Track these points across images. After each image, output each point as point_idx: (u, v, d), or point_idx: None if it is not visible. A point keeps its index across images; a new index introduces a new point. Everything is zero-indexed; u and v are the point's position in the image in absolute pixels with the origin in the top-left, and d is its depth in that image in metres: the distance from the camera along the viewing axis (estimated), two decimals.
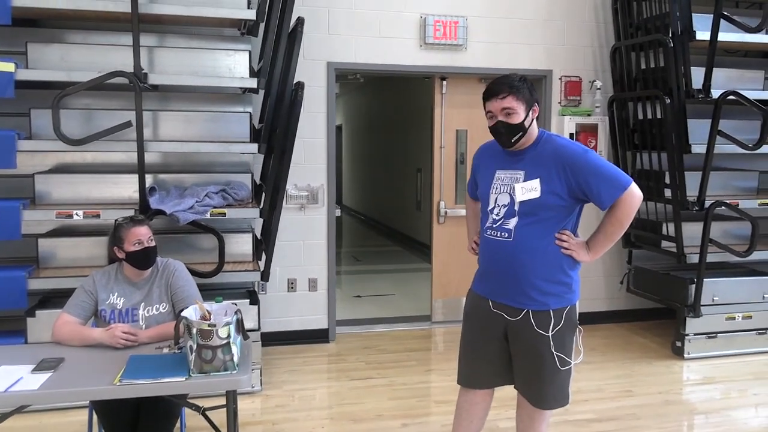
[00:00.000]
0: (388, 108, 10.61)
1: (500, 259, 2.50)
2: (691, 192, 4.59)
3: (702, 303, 4.62)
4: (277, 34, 3.82)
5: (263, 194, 4.02)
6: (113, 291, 2.76)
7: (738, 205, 4.62)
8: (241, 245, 4.11)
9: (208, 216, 3.76)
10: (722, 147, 4.61)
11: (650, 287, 5.19)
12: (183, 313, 2.32)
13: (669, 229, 4.80)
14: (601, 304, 5.58)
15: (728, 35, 4.63)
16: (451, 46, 5.07)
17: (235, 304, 2.44)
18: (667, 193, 4.67)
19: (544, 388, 2.50)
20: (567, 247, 2.44)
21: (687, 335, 4.68)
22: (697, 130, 4.60)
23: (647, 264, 5.31)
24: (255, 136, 4.10)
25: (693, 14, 4.55)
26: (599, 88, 5.35)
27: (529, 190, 2.41)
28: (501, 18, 5.17)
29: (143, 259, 2.75)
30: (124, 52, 3.70)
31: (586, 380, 4.24)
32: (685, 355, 4.69)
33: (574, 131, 5.27)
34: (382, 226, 11.40)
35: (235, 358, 2.31)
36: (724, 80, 4.79)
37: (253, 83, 3.87)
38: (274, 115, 3.91)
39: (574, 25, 5.33)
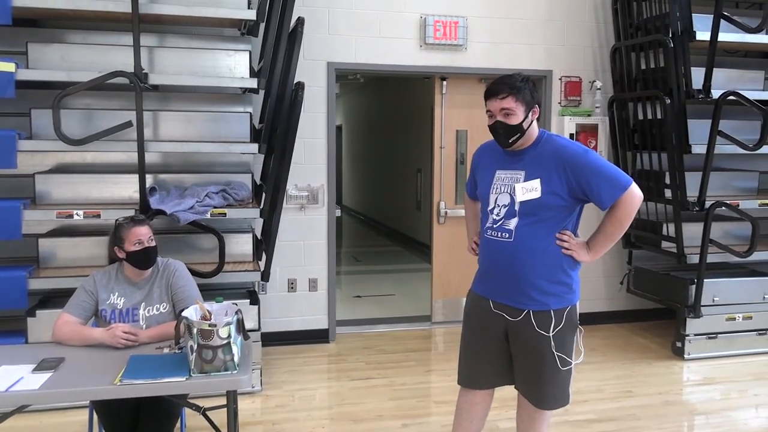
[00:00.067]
0: (388, 108, 10.62)
1: (500, 259, 2.50)
2: (692, 192, 4.59)
3: (702, 303, 4.62)
4: (277, 35, 3.82)
5: (263, 194, 4.02)
6: (114, 291, 2.76)
7: (738, 205, 4.62)
8: (241, 245, 4.11)
9: (208, 216, 3.76)
10: (722, 147, 4.61)
11: (650, 288, 5.19)
12: (183, 313, 2.32)
13: (669, 229, 4.80)
14: (601, 304, 5.58)
15: (728, 35, 4.63)
16: (451, 46, 5.07)
17: (236, 304, 2.44)
18: (668, 193, 4.67)
19: (544, 388, 2.50)
20: (567, 248, 2.44)
21: (687, 336, 4.68)
22: (697, 130, 4.60)
23: (647, 264, 5.31)
24: (255, 136, 4.10)
25: (693, 14, 4.55)
26: (599, 89, 5.35)
27: (529, 190, 2.41)
28: (501, 18, 5.18)
29: (144, 259, 2.75)
30: (124, 52, 3.70)
31: (586, 381, 4.24)
32: (686, 356, 4.69)
33: (574, 131, 5.27)
34: (382, 226, 11.40)
35: (236, 358, 2.31)
36: (724, 80, 4.79)
37: (253, 83, 3.87)
38: (275, 115, 3.91)
39: (574, 26, 5.33)
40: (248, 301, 3.94)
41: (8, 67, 3.45)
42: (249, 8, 3.89)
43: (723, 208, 4.58)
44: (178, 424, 2.80)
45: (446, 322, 5.47)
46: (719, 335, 4.73)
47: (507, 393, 2.79)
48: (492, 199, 2.52)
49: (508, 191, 2.47)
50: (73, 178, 3.90)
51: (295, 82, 3.94)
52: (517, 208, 2.44)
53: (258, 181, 4.33)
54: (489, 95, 2.43)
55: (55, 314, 2.73)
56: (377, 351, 4.84)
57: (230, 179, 4.09)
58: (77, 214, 3.64)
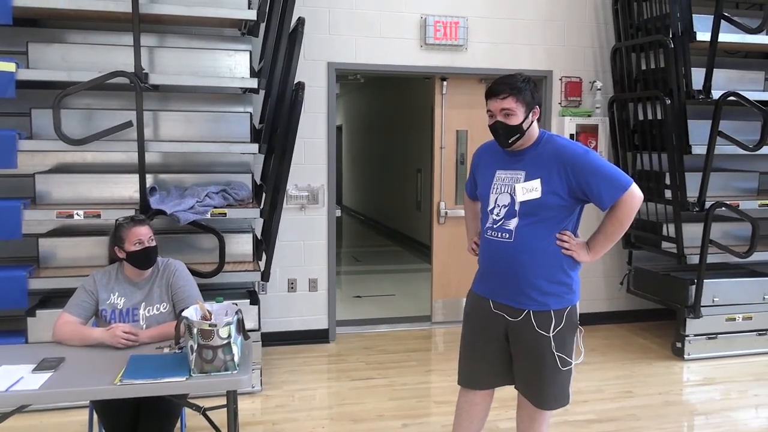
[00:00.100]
0: (389, 108, 10.62)
1: (501, 259, 2.50)
2: (692, 193, 4.59)
3: (702, 304, 4.62)
4: (277, 35, 3.82)
5: (263, 194, 4.02)
6: (114, 291, 2.76)
7: (738, 206, 4.62)
8: (241, 245, 4.11)
9: (208, 216, 3.76)
10: (722, 148, 4.61)
11: (650, 288, 5.19)
12: (184, 313, 2.32)
13: (669, 229, 4.80)
14: (601, 304, 5.58)
15: (729, 36, 4.63)
16: (452, 46, 5.07)
17: (236, 304, 2.44)
18: (668, 193, 4.67)
19: (544, 389, 2.51)
20: (567, 248, 2.44)
21: (687, 336, 4.68)
22: (698, 130, 4.60)
23: (647, 265, 5.31)
24: (255, 136, 4.10)
25: (693, 15, 4.55)
26: (599, 89, 5.35)
27: (529, 190, 2.42)
28: (501, 18, 5.18)
29: (144, 258, 2.75)
30: (124, 52, 3.70)
31: (586, 381, 4.24)
32: (686, 356, 4.69)
33: (574, 132, 5.27)
34: (382, 226, 11.40)
35: (236, 358, 2.31)
36: (724, 81, 4.79)
37: (253, 83, 3.87)
38: (275, 115, 3.92)
39: (574, 26, 5.33)
40: (248, 301, 3.94)
41: (9, 66, 3.45)
42: (249, 8, 3.89)
43: (723, 208, 4.58)
44: (178, 424, 2.80)
45: (446, 322, 5.48)
46: (719, 335, 4.73)
47: (507, 393, 2.79)
48: (492, 199, 2.53)
49: (509, 191, 2.47)
50: (73, 178, 3.91)
51: (295, 82, 3.94)
52: (517, 208, 2.44)
53: (258, 181, 4.33)
54: (490, 95, 2.43)
55: (55, 314, 2.73)
56: (377, 351, 4.84)
57: (230, 179, 4.09)
58: (77, 214, 3.64)
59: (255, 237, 4.25)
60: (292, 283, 4.97)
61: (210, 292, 3.23)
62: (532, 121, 2.45)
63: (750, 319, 4.77)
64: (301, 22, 3.92)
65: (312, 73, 4.80)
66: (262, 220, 4.09)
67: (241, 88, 4.15)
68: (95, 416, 2.74)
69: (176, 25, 4.14)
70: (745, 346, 4.79)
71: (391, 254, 9.37)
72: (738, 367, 4.57)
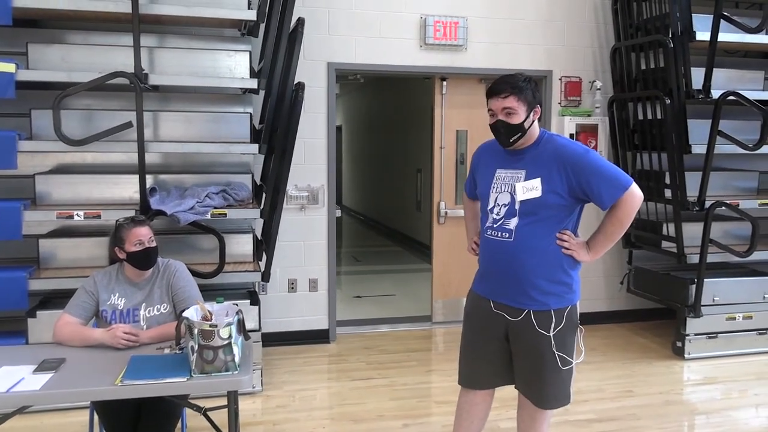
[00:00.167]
0: (388, 108, 10.62)
1: (501, 259, 2.50)
2: (692, 192, 4.59)
3: (702, 303, 4.62)
4: (277, 35, 3.82)
5: (264, 195, 4.02)
6: (114, 291, 2.76)
7: (738, 205, 4.63)
8: (241, 246, 4.11)
9: (208, 216, 3.76)
10: (722, 147, 4.61)
11: (650, 287, 5.19)
12: (184, 314, 2.32)
13: (669, 229, 4.80)
14: (601, 304, 5.58)
15: (728, 36, 4.63)
16: (452, 46, 5.07)
17: (236, 305, 2.44)
18: (668, 193, 4.67)
19: (545, 388, 2.51)
20: (567, 247, 2.44)
21: (687, 335, 4.68)
22: (697, 130, 4.60)
23: (647, 264, 5.31)
24: (255, 136, 4.10)
25: (693, 15, 4.55)
26: (599, 89, 5.35)
27: (530, 189, 2.42)
28: (501, 18, 5.18)
29: (144, 259, 2.75)
30: (124, 52, 3.70)
31: (587, 380, 4.24)
32: (686, 356, 4.69)
33: (574, 132, 5.28)
34: (382, 226, 11.40)
35: (237, 359, 2.31)
36: (724, 81, 4.79)
37: (253, 84, 3.87)
38: (275, 115, 3.92)
39: (574, 26, 5.34)
40: (249, 301, 3.94)
41: (8, 67, 3.45)
42: (249, 9, 3.89)
43: (723, 207, 4.58)
44: (178, 425, 2.80)
45: (447, 322, 5.48)
46: (719, 335, 4.73)
47: (507, 393, 2.79)
48: (492, 198, 2.53)
49: (509, 190, 2.47)
50: (73, 178, 3.90)
51: (295, 82, 3.94)
52: (517, 207, 2.44)
53: (258, 182, 4.33)
54: (491, 94, 2.43)
55: (55, 315, 2.73)
56: (378, 351, 4.85)
57: (230, 180, 4.09)
58: (77, 215, 3.64)
59: (255, 237, 4.25)
60: (292, 284, 4.97)
61: (210, 293, 3.23)
62: (534, 120, 2.45)
63: (750, 318, 4.77)
64: (300, 22, 3.92)
65: (312, 73, 4.80)
66: (262, 221, 4.09)
67: (241, 88, 4.15)
68: (96, 417, 2.74)
69: (176, 26, 4.14)
70: (745, 346, 4.79)
71: (392, 254, 9.37)
72: (738, 367, 4.58)
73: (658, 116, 4.65)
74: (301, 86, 3.89)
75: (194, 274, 3.14)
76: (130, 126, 3.64)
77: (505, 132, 2.43)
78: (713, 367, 4.58)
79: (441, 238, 5.47)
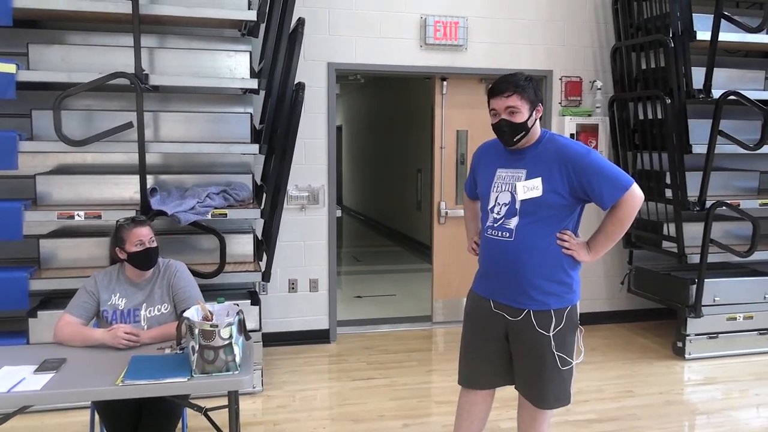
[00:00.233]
0: (389, 108, 10.62)
1: (501, 259, 2.50)
2: (692, 192, 4.59)
3: (703, 303, 4.62)
4: (277, 35, 3.82)
5: (264, 195, 4.02)
6: (115, 292, 2.77)
7: (739, 205, 4.62)
8: (242, 246, 4.11)
9: (209, 217, 3.76)
10: (723, 147, 4.61)
11: (651, 287, 5.19)
12: (185, 314, 2.33)
13: (670, 229, 4.80)
14: (601, 304, 5.58)
15: (729, 35, 4.63)
16: (452, 46, 5.07)
17: (237, 305, 2.44)
18: (668, 193, 4.67)
19: (545, 388, 2.51)
20: (568, 247, 2.44)
21: (688, 335, 4.68)
22: (698, 130, 4.60)
23: (648, 264, 5.31)
24: (256, 136, 4.10)
25: (693, 14, 4.55)
26: (600, 89, 5.35)
27: (530, 188, 2.42)
28: (501, 18, 5.18)
29: (145, 259, 2.75)
30: (124, 53, 3.70)
31: (587, 380, 4.24)
32: (686, 356, 4.69)
33: (574, 131, 5.27)
34: (382, 226, 11.40)
35: (237, 359, 2.31)
36: (724, 80, 4.79)
37: (253, 84, 3.87)
38: (275, 115, 3.92)
39: (574, 26, 5.34)
40: (249, 301, 3.94)
41: (9, 68, 3.45)
42: (249, 9, 3.89)
43: (724, 207, 4.58)
44: (179, 425, 2.81)
45: (447, 322, 5.48)
46: (720, 335, 4.73)
47: (508, 393, 2.79)
48: (493, 197, 2.53)
49: (509, 189, 2.47)
50: (73, 179, 3.91)
51: (295, 82, 3.94)
52: (517, 206, 2.44)
53: (258, 182, 4.33)
54: (493, 94, 2.43)
55: (56, 315, 2.73)
56: (378, 351, 4.85)
57: (231, 180, 4.09)
58: (78, 215, 3.64)
59: (256, 237, 4.25)
60: (292, 284, 4.97)
61: (211, 293, 3.24)
62: (536, 119, 2.46)
63: (751, 318, 4.77)
64: (301, 22, 3.92)
65: (312, 73, 4.80)
66: (262, 221, 4.09)
67: (241, 88, 4.15)
68: (97, 417, 2.74)
69: (176, 26, 4.14)
70: (746, 346, 4.79)
71: (392, 254, 9.37)
72: (739, 367, 4.57)
73: (659, 116, 4.65)
74: (301, 86, 3.89)
75: (195, 274, 3.14)
76: (130, 126, 3.64)
77: (509, 131, 2.43)
78: (714, 367, 4.58)
79: (441, 238, 5.47)
